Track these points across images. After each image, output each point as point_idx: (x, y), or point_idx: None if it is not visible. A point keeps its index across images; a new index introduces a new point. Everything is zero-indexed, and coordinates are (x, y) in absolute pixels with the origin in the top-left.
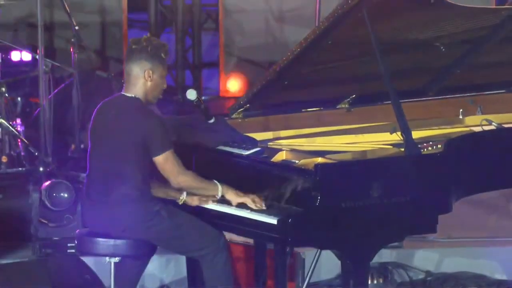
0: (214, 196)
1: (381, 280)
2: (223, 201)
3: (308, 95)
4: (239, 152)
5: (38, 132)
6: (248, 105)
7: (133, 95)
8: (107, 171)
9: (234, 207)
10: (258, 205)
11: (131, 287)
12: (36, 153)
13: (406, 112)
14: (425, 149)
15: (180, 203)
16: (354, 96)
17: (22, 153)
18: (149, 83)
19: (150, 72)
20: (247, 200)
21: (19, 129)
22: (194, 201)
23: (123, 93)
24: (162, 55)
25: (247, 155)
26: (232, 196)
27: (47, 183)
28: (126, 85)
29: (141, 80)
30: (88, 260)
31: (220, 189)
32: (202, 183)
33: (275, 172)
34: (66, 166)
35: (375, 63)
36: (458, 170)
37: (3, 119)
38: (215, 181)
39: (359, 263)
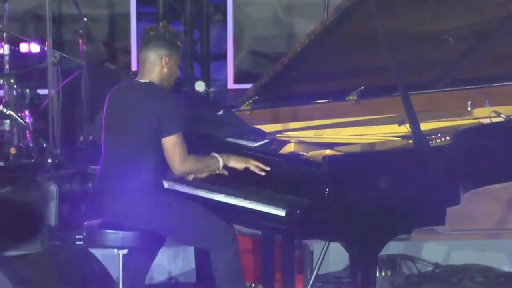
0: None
1: (389, 272)
2: (231, 193)
3: (316, 87)
4: (247, 144)
5: (46, 123)
6: (256, 97)
7: (148, 81)
8: (122, 158)
9: (242, 199)
10: (262, 168)
11: (140, 279)
12: (45, 145)
13: (415, 104)
14: (434, 141)
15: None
16: (362, 88)
17: (31, 145)
18: (165, 70)
19: (167, 59)
20: (250, 165)
21: (27, 120)
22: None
23: (137, 79)
24: (178, 42)
25: (256, 147)
26: (235, 162)
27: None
28: (141, 72)
29: (157, 67)
30: (96, 252)
31: (221, 160)
32: (204, 162)
33: (283, 164)
34: (74, 158)
35: (384, 55)
36: (467, 162)
37: (12, 110)
38: (214, 154)
39: (367, 256)
